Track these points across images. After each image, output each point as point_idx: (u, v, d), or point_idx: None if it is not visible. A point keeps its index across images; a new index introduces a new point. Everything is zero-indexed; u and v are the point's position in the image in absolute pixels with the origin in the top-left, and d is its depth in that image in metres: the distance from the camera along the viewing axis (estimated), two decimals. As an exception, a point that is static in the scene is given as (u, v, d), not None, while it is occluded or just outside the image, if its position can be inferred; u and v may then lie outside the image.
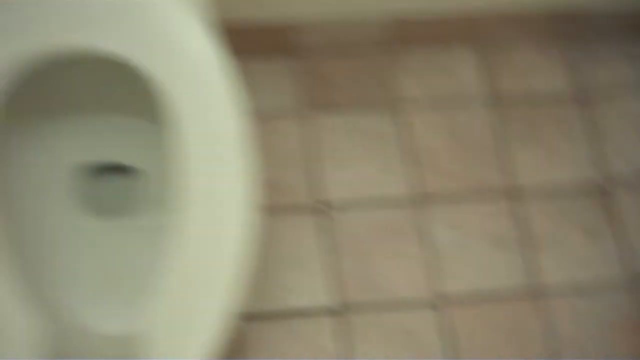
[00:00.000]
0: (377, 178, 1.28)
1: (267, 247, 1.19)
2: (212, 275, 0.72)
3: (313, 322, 1.18)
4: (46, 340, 0.70)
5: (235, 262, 0.73)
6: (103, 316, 0.86)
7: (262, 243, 0.77)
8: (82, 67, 0.83)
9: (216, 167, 0.76)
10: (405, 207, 1.26)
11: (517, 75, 1.39)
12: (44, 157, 0.91)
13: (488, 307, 1.22)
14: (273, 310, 1.17)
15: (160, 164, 0.93)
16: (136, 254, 0.89)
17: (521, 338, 1.21)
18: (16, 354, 0.69)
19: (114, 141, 0.95)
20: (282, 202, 1.23)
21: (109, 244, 0.91)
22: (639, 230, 1.30)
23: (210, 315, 0.71)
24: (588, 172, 1.33)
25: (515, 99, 1.37)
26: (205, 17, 0.82)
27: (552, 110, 1.36)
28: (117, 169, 0.97)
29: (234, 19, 0.84)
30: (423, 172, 1.29)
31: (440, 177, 1.29)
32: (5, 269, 0.70)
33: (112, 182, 0.98)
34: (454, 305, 1.22)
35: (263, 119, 1.28)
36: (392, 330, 1.19)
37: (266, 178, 1.23)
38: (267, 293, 1.18)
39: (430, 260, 1.23)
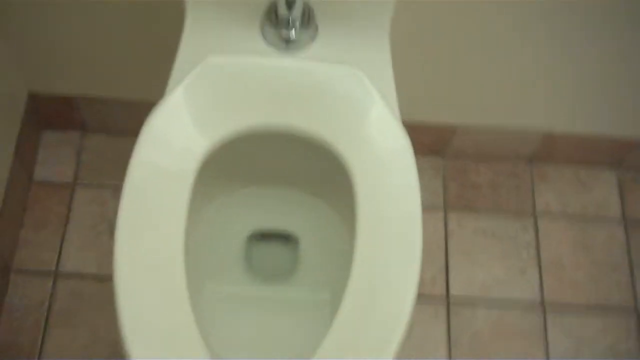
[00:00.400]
0: (504, 280, 1.32)
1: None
2: (370, 350, 0.75)
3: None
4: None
5: (394, 343, 0.75)
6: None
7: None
8: (276, 144, 0.91)
9: (387, 253, 0.80)
10: (527, 311, 1.29)
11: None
12: (221, 222, 1.01)
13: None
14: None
15: (326, 239, 1.01)
16: (290, 323, 0.96)
17: None
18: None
19: (285, 213, 1.03)
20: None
21: (266, 307, 0.98)
22: None
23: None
24: None
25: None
26: (396, 114, 0.89)
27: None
28: (282, 237, 1.05)
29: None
30: (548, 279, 1.32)
31: (564, 287, 1.32)
32: (191, 315, 0.76)
33: (275, 248, 1.06)
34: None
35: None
36: None
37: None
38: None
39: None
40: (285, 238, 1.04)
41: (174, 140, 0.82)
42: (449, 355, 1.25)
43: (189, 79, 0.85)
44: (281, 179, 1.00)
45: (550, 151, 1.38)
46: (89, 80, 1.24)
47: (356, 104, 0.87)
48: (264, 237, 1.04)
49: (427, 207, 1.36)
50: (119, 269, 0.75)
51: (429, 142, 1.35)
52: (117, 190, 0.83)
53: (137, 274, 0.76)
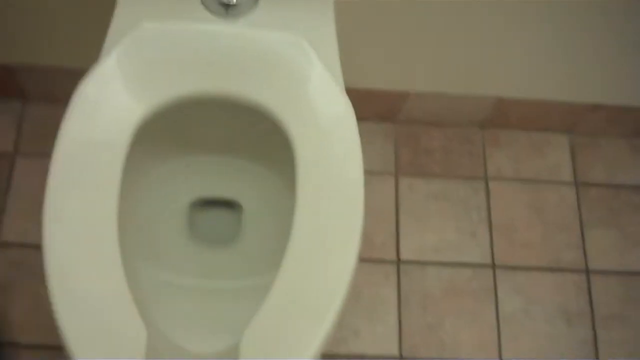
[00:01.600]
0: (455, 243, 1.33)
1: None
2: (310, 313, 0.76)
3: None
4: (148, 350, 0.74)
5: (334, 306, 0.76)
6: (195, 337, 0.90)
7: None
8: (216, 111, 0.90)
9: (327, 220, 0.80)
10: (478, 272, 1.31)
11: (604, 163, 1.43)
12: (162, 190, 1.00)
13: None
14: (337, 352, 1.23)
15: (269, 206, 1.01)
16: (234, 288, 0.95)
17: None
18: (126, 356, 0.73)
19: (227, 179, 1.02)
20: (362, 253, 1.29)
21: (209, 272, 0.97)
22: None
23: (302, 351, 0.74)
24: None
25: (599, 185, 1.41)
26: (339, 81, 0.87)
27: (634, 200, 1.40)
28: (225, 204, 1.04)
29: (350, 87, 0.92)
30: (499, 241, 1.34)
31: (515, 248, 1.34)
32: (123, 282, 0.75)
33: (218, 215, 1.05)
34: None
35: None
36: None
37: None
38: (335, 334, 1.22)
39: (495, 324, 1.28)
40: (228, 205, 1.03)
41: (105, 108, 0.80)
42: (399, 314, 1.26)
43: (123, 45, 0.83)
44: (222, 146, 0.99)
45: (502, 117, 1.39)
46: (28, 48, 1.21)
47: (297, 70, 0.86)
48: (206, 204, 1.03)
49: (378, 172, 1.37)
50: (49, 243, 0.74)
51: (381, 108, 1.35)
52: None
53: (68, 246, 0.75)
